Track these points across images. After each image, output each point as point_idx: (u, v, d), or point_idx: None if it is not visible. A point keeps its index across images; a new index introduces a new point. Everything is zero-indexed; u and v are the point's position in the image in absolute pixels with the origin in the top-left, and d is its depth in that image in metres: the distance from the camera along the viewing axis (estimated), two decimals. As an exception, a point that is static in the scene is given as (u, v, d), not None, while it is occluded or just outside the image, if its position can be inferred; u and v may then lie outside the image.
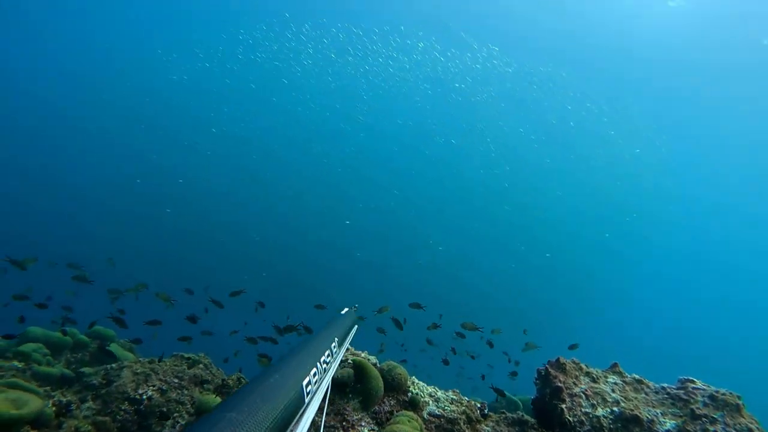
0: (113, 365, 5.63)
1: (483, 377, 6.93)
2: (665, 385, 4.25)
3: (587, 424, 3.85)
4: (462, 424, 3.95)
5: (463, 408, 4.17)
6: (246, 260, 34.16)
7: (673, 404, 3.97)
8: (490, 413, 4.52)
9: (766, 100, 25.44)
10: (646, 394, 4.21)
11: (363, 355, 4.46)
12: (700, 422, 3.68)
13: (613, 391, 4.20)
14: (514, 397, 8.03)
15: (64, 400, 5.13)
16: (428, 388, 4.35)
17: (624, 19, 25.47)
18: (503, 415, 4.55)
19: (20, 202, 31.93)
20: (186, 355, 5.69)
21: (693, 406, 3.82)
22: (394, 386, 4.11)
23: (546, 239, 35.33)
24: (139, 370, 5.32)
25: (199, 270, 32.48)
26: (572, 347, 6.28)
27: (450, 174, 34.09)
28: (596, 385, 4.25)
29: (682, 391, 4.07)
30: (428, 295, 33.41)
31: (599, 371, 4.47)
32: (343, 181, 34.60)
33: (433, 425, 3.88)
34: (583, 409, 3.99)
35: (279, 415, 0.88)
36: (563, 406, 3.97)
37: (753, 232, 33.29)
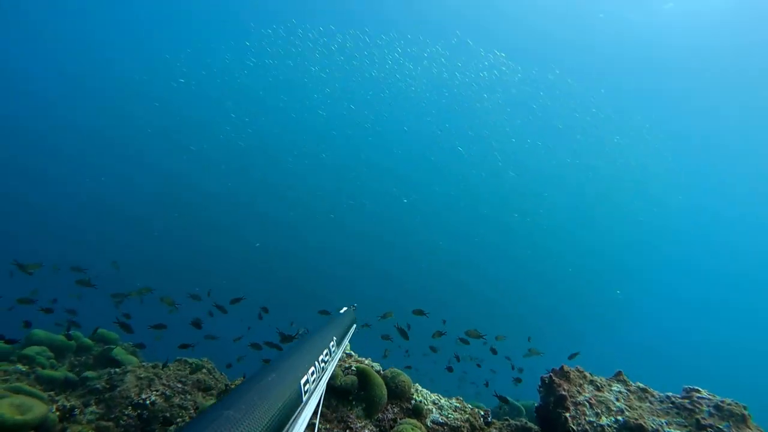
0: (117, 369, 5.65)
1: (487, 384, 6.90)
2: (670, 394, 4.23)
3: (591, 433, 3.83)
4: (465, 432, 3.94)
5: (467, 416, 4.16)
6: (249, 265, 34.23)
7: (678, 414, 3.95)
8: (494, 420, 4.51)
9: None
10: (651, 403, 4.19)
11: (366, 362, 4.46)
12: (706, 432, 3.65)
13: (617, 399, 4.18)
14: (516, 403, 8.00)
15: (68, 404, 5.15)
16: (432, 395, 4.34)
17: (630, 27, 25.47)
18: (506, 422, 4.54)
19: (26, 205, 32.12)
20: (189, 360, 5.70)
21: (698, 416, 3.80)
22: (398, 394, 4.11)
23: (550, 246, 35.32)
24: (142, 375, 5.33)
25: (203, 274, 32.52)
26: (572, 356, 6.25)
27: (455, 180, 34.15)
28: (600, 394, 4.23)
29: (687, 401, 4.04)
30: (432, 299, 33.51)
31: (603, 379, 4.45)
32: (349, 187, 34.71)
33: (436, 433, 3.88)
34: (587, 418, 3.98)
35: (276, 414, 0.88)
36: (567, 414, 3.96)
37: (759, 240, 33.17)
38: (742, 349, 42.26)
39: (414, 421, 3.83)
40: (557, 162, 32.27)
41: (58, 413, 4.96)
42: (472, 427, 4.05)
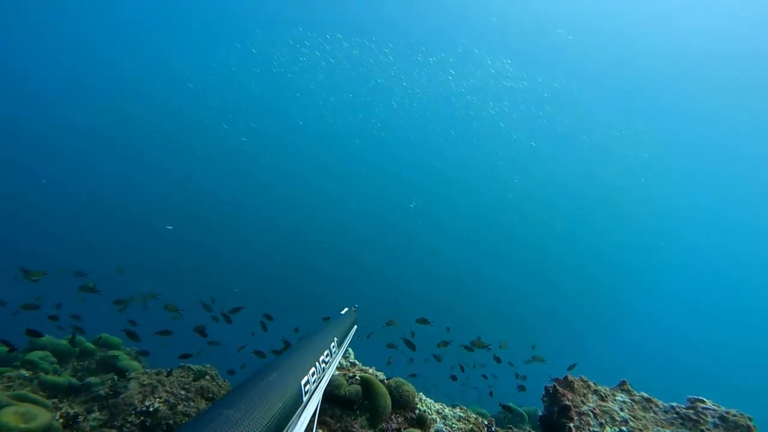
0: (116, 377, 5.65)
1: (491, 393, 6.89)
2: (674, 404, 4.22)
3: (596, 444, 3.82)
4: (470, 442, 3.94)
5: (471, 425, 4.16)
6: (253, 269, 34.21)
7: (682, 424, 3.94)
8: (497, 429, 4.50)
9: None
10: (655, 413, 4.18)
11: (371, 371, 4.46)
12: (711, 444, 3.64)
13: (621, 409, 4.17)
14: (519, 409, 7.98)
15: (72, 411, 5.16)
16: (436, 404, 4.33)
17: (634, 36, 25.55)
18: (510, 431, 4.53)
19: (30, 208, 32.16)
20: (193, 367, 5.70)
21: (703, 427, 3.79)
22: (402, 403, 4.11)
23: (553, 249, 35.34)
24: (146, 382, 5.34)
25: (207, 278, 32.47)
26: (571, 367, 6.24)
27: (460, 185, 34.23)
28: (604, 404, 4.23)
29: (691, 411, 4.03)
30: (436, 303, 33.56)
31: (607, 389, 4.45)
32: (355, 192, 34.79)
33: (440, 443, 3.87)
34: (591, 428, 3.97)
35: (277, 414, 0.87)
36: (571, 425, 3.95)
37: (760, 242, 33.14)
38: (743, 351, 42.10)
39: (418, 431, 3.83)
40: (561, 167, 32.37)
41: (61, 420, 4.97)
42: (476, 437, 4.05)
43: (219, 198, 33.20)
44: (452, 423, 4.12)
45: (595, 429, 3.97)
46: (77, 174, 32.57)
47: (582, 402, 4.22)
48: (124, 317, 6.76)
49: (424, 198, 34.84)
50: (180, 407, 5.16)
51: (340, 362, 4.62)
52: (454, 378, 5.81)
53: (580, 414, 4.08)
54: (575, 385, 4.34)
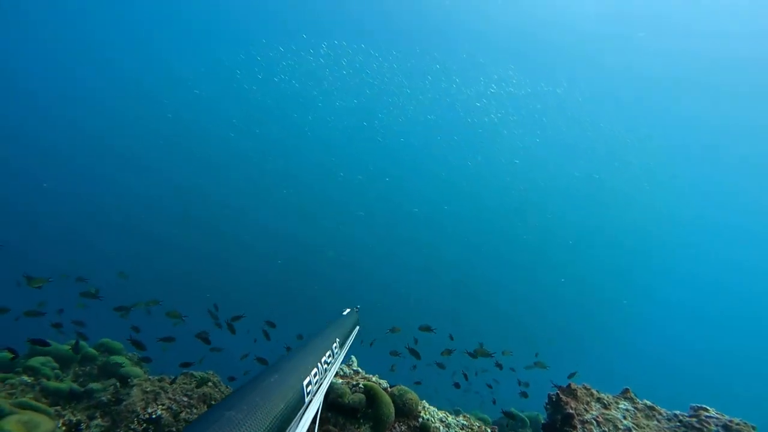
0: (122, 382, 5.65)
1: (494, 401, 6.88)
2: (677, 412, 4.22)
3: (600, 453, 3.82)
4: (473, 451, 3.93)
5: (474, 434, 4.15)
6: (255, 275, 34.16)
7: (686, 433, 3.94)
8: (500, 437, 4.50)
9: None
10: (658, 421, 4.18)
11: (374, 379, 4.46)
12: (715, 453, 3.64)
13: (624, 417, 4.17)
14: (521, 414, 7.98)
15: (74, 419, 5.15)
16: (439, 413, 4.33)
17: (638, 45, 25.60)
18: (513, 440, 4.53)
19: (33, 214, 32.15)
20: (195, 374, 5.70)
21: (706, 436, 3.79)
22: (405, 411, 4.11)
23: (558, 257, 35.40)
24: (148, 389, 5.33)
25: (209, 284, 32.38)
26: (571, 375, 6.23)
27: (463, 192, 34.31)
28: (608, 412, 4.23)
29: (695, 419, 4.03)
30: (439, 311, 33.56)
31: (610, 397, 4.45)
32: (357, 198, 34.86)
33: (444, 452, 3.87)
34: (594, 437, 3.97)
35: (279, 415, 0.87)
36: (575, 433, 3.95)
37: (765, 251, 33.04)
38: (746, 359, 42.00)
39: (422, 439, 3.83)
40: (564, 174, 32.43)
41: (64, 428, 4.97)
42: (480, 446, 4.05)
43: (222, 203, 33.24)
44: (456, 431, 4.12)
45: (599, 437, 3.97)
46: (80, 179, 32.61)
47: (585, 410, 4.22)
48: (127, 323, 6.76)
49: (426, 203, 34.91)
50: (183, 414, 5.16)
51: (343, 370, 4.62)
52: (457, 386, 5.78)
53: (584, 422, 4.08)
54: (578, 393, 4.34)
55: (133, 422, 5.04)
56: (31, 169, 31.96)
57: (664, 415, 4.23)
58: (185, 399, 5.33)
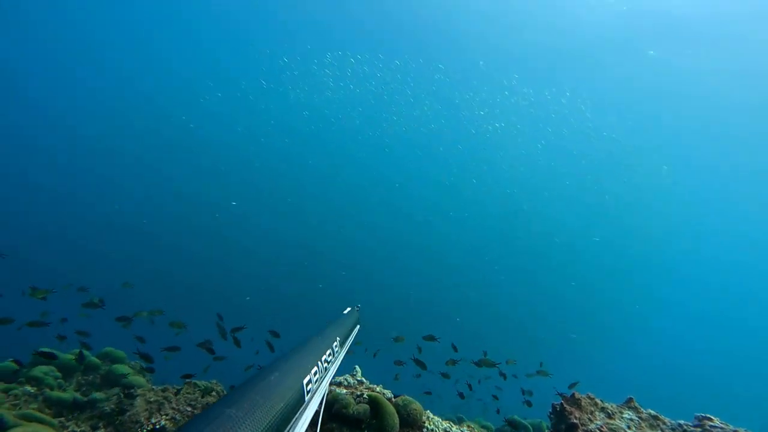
0: (126, 392, 5.65)
1: (498, 411, 6.86)
2: (682, 422, 4.22)
3: (604, 463, 3.82)
4: (478, 462, 3.93)
5: (479, 444, 4.15)
6: (259, 282, 34.13)
7: (690, 443, 3.94)
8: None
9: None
10: (663, 431, 4.18)
11: (378, 389, 4.47)
12: (719, 463, 3.64)
13: (628, 427, 4.17)
14: (524, 422, 7.95)
15: (78, 430, 5.15)
16: (443, 423, 4.34)
17: (643, 55, 25.67)
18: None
19: (38, 223, 32.20)
20: (199, 384, 5.70)
21: (711, 446, 3.79)
22: (410, 422, 4.11)
23: (563, 264, 35.40)
24: (152, 399, 5.33)
25: (215, 291, 32.29)
26: (572, 386, 6.21)
27: (467, 199, 34.41)
28: (612, 422, 4.23)
29: (699, 429, 4.03)
30: (443, 318, 33.52)
31: (615, 406, 4.45)
32: (361, 206, 34.97)
33: (449, 463, 3.87)
34: (599, 447, 3.96)
35: (278, 413, 0.87)
36: (579, 443, 3.95)
37: None
38: (753, 364, 41.78)
39: (426, 451, 3.83)
40: (570, 181, 32.52)
41: (68, 439, 4.96)
42: (485, 456, 4.05)
43: (225, 209, 33.29)
44: (460, 442, 4.13)
45: (603, 447, 3.97)
46: (84, 185, 32.69)
47: (589, 420, 4.22)
48: (130, 332, 6.76)
49: (431, 211, 35.00)
50: (186, 425, 5.15)
51: (347, 380, 4.63)
52: (461, 396, 5.74)
53: (588, 432, 4.08)
54: (582, 403, 4.35)
55: (136, 433, 5.04)
56: (35, 176, 32.11)
57: (669, 424, 4.23)
58: (189, 409, 5.33)
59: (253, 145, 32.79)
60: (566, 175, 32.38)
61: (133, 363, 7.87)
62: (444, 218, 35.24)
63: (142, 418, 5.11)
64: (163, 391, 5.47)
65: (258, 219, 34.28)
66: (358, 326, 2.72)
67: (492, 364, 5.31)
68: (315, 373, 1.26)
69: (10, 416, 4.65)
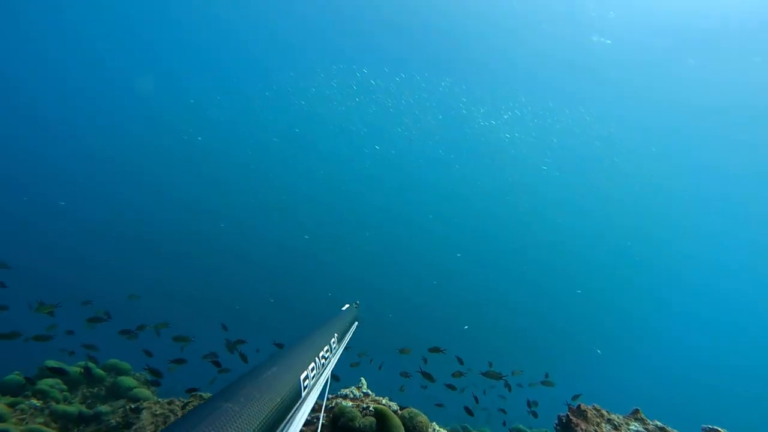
0: (132, 405, 5.66)
1: (504, 423, 6.81)
2: (689, 433, 4.20)
3: (612, 476, 3.80)
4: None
5: (485, 457, 4.15)
6: (264, 289, 34.11)
7: (698, 455, 3.93)
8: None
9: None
10: (670, 442, 4.17)
11: (384, 401, 4.48)
12: (728, 476, 3.62)
13: (636, 439, 4.16)
14: (530, 431, 7.90)
15: (85, 443, 5.16)
16: (449, 436, 4.33)
17: (647, 66, 25.89)
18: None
19: (45, 236, 32.37)
20: (205, 396, 5.71)
21: (719, 458, 3.78)
22: (416, 435, 4.11)
23: (571, 272, 35.31)
24: (158, 412, 5.35)
25: (220, 299, 32.19)
26: (575, 397, 6.17)
27: (474, 208, 34.52)
28: (619, 433, 4.22)
29: (706, 441, 4.02)
30: (449, 326, 33.35)
31: (621, 417, 4.44)
32: (365, 215, 35.11)
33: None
34: (606, 459, 3.95)
35: (275, 408, 0.88)
36: (586, 456, 3.94)
37: None
38: (758, 369, 41.19)
39: (433, 464, 3.83)
40: (576, 190, 32.56)
41: (75, 453, 4.97)
42: (491, 470, 4.04)
43: (227, 218, 33.43)
44: (467, 455, 4.12)
45: (611, 459, 3.95)
46: (91, 200, 32.87)
47: (595, 431, 4.21)
48: (137, 345, 6.79)
49: (437, 219, 35.07)
50: (192, 438, 5.15)
51: (353, 393, 4.64)
52: (469, 413, 5.63)
53: (595, 444, 4.07)
54: (588, 414, 4.34)
55: (142, 446, 5.04)
56: (39, 187, 32.38)
57: (676, 436, 4.21)
58: (195, 422, 5.33)
59: (258, 155, 33.08)
60: (574, 184, 32.43)
61: (137, 374, 7.88)
62: (450, 227, 35.27)
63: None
64: (169, 403, 5.49)
65: (263, 228, 34.39)
66: (357, 323, 2.70)
67: (498, 377, 5.27)
68: (312, 369, 1.27)
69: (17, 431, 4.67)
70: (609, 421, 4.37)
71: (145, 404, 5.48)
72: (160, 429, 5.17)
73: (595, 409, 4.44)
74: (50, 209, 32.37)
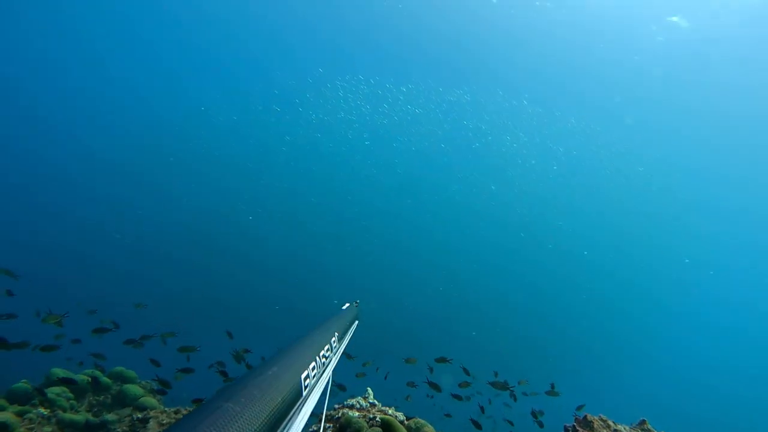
0: (138, 415, 5.69)
1: (511, 436, 6.78)
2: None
3: (620, 488, 3.80)
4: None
5: (492, 468, 4.15)
6: (268, 294, 34.15)
7: (706, 466, 3.92)
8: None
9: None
10: (678, 453, 4.16)
11: (390, 411, 4.49)
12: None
13: (642, 450, 4.15)
14: (535, 440, 7.85)
15: (93, 453, 5.19)
16: (456, 446, 4.35)
17: (651, 73, 26.06)
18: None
19: (52, 242, 32.53)
20: (211, 405, 5.73)
21: (727, 470, 3.77)
22: (422, 446, 4.12)
23: (581, 278, 35.24)
24: (165, 421, 5.37)
25: (226, 305, 32.22)
26: (579, 408, 6.14)
27: (480, 216, 34.65)
28: (625, 444, 4.21)
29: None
30: (457, 334, 33.26)
31: (627, 428, 4.43)
32: (370, 222, 35.27)
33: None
34: (613, 471, 3.95)
35: (276, 408, 0.88)
36: (593, 467, 3.94)
37: None
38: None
39: (440, 475, 3.84)
40: (586, 197, 32.59)
41: (82, 463, 4.99)
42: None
43: (238, 228, 33.65)
44: (473, 466, 4.13)
45: (618, 471, 3.94)
46: (97, 207, 33.05)
47: (602, 442, 4.20)
48: (144, 353, 6.82)
49: (443, 229, 35.16)
50: (199, 447, 5.17)
51: (359, 403, 4.66)
52: (477, 426, 5.59)
53: (602, 455, 4.06)
54: (595, 425, 4.34)
55: (149, 456, 5.06)
56: (46, 196, 32.71)
57: (683, 447, 4.21)
58: None
59: (265, 163, 33.31)
60: (581, 193, 32.51)
61: (143, 383, 7.91)
62: (458, 234, 35.32)
63: (155, 441, 5.14)
64: (176, 413, 5.52)
65: (272, 235, 34.52)
66: (357, 322, 2.70)
67: (505, 387, 5.25)
68: (313, 368, 1.28)
69: (26, 440, 4.71)
70: (615, 431, 4.36)
71: (152, 413, 5.51)
72: (166, 438, 5.19)
73: (602, 419, 4.44)
74: (55, 214, 32.60)
